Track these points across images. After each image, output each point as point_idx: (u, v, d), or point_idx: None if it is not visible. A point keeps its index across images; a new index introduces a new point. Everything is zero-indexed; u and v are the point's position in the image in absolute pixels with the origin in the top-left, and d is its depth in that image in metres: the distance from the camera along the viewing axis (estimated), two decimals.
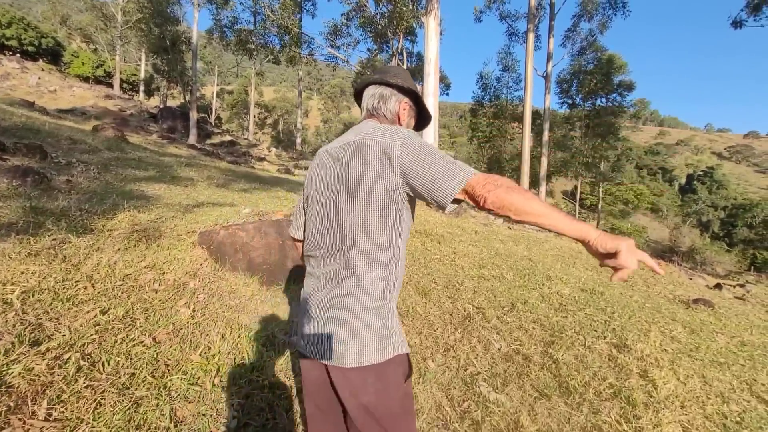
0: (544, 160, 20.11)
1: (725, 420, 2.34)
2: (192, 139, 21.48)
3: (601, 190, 36.96)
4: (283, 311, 2.48)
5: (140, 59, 35.73)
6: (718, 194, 67.85)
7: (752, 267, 36.42)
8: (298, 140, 32.16)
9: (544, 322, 3.40)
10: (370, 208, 0.94)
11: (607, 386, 2.41)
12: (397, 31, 14.18)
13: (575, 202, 32.07)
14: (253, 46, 16.81)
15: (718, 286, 7.50)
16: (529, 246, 7.04)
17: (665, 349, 3.24)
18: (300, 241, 1.23)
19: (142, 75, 35.93)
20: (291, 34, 15.37)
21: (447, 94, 33.37)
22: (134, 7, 25.00)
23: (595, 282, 5.27)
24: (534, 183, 22.02)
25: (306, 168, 19.98)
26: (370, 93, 1.14)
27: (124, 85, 37.63)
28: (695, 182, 77.15)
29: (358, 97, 1.22)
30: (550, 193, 31.83)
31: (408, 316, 2.94)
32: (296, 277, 2.90)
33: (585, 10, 21.58)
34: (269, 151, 27.43)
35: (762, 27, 21.34)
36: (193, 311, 2.14)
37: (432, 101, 12.31)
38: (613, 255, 0.80)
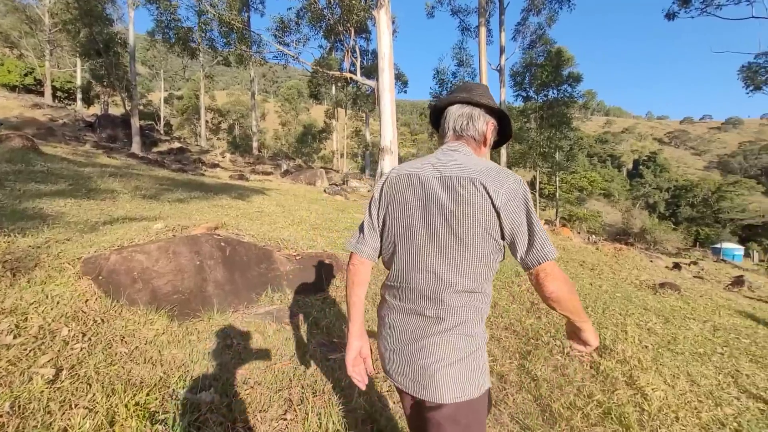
0: (503, 153, 20.35)
1: (723, 429, 2.06)
2: (135, 147, 19.95)
3: (557, 179, 38.44)
4: (200, 352, 1.94)
5: (76, 65, 32.85)
6: (661, 177, 72.81)
7: (696, 242, 39.20)
8: (255, 144, 30.76)
9: (518, 328, 3.05)
10: (479, 248, 0.95)
11: (594, 405, 2.06)
12: (349, 26, 13.67)
13: (535, 192, 32.98)
14: (196, 45, 15.65)
15: (677, 266, 7.65)
16: None
17: (645, 346, 2.99)
18: (365, 261, 1.12)
19: (79, 82, 32.99)
20: (236, 32, 14.45)
21: (405, 92, 33.37)
22: (62, 8, 22.83)
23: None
24: None
25: (265, 173, 19.14)
26: (458, 113, 1.09)
27: (59, 93, 34.43)
28: (641, 167, 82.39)
29: (437, 114, 1.17)
30: None
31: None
32: (222, 303, 2.36)
33: (533, 5, 22.10)
34: (223, 157, 26.01)
35: (692, 18, 22.83)
36: (58, 372, 1.56)
37: (388, 96, 11.93)
38: (584, 341, 1.01)
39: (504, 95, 20.79)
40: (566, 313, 0.95)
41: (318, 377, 1.98)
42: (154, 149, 24.92)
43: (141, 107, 57.28)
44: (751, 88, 22.97)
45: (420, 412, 1.01)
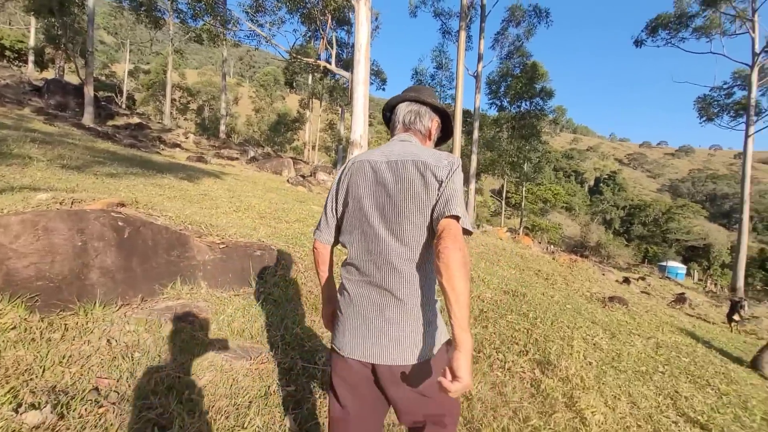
0: (474, 159, 20.54)
1: None
2: (87, 118, 18.53)
3: (524, 189, 39.59)
4: (59, 355, 1.55)
5: (30, 24, 30.03)
6: (619, 196, 76.93)
7: (645, 260, 41.61)
8: (223, 128, 29.45)
9: None
10: (423, 221, 1.02)
11: (530, 431, 1.86)
12: (326, 12, 13.19)
13: (501, 200, 33.75)
14: (160, 15, 14.59)
15: (626, 280, 7.84)
16: None
17: (590, 362, 2.86)
18: (326, 245, 1.23)
19: (32, 43, 30.17)
20: (205, 3, 13.58)
21: (383, 89, 33.00)
22: None
23: (518, 282, 4.95)
24: (464, 180, 22.49)
25: (230, 158, 18.35)
26: (408, 109, 1.20)
27: (8, 53, 31.39)
28: (602, 184, 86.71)
29: (389, 110, 1.28)
30: (479, 191, 33.06)
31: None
32: (110, 294, 1.95)
33: (513, 16, 22.46)
34: (186, 138, 24.63)
35: (658, 47, 24.05)
36: None
37: (362, 89, 11.58)
38: (453, 369, 0.86)
39: (479, 101, 20.96)
40: (448, 289, 0.89)
41: (211, 391, 1.63)
42: (110, 122, 23.30)
43: (103, 78, 53.67)
44: (704, 118, 24.52)
45: (381, 377, 1.03)
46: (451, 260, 0.88)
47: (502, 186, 36.38)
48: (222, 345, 1.94)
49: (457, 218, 0.95)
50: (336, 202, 1.17)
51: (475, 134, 20.48)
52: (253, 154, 22.37)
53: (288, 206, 6.02)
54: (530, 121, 23.80)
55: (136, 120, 25.23)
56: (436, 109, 1.21)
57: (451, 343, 0.91)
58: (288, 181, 11.82)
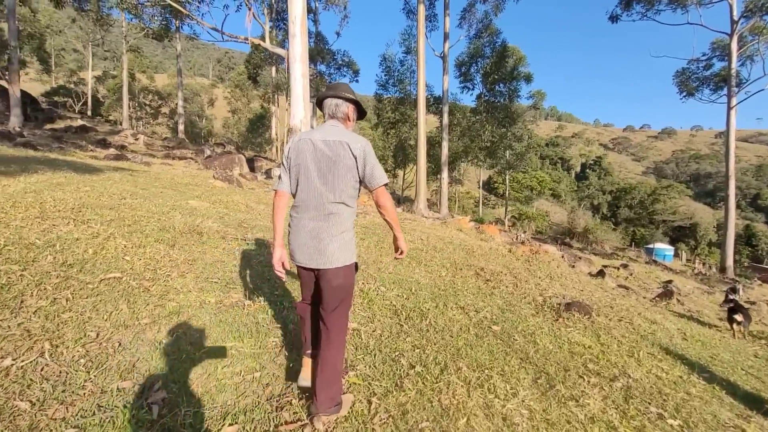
0: (445, 145, 19.03)
1: None
2: (14, 121, 16.81)
3: (507, 177, 38.31)
4: None
5: None
6: (605, 180, 76.48)
7: (632, 242, 40.76)
8: (180, 126, 27.52)
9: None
10: (346, 180, 1.66)
11: None
12: None
13: (479, 188, 32.41)
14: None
15: (600, 273, 6.41)
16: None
17: None
18: (286, 192, 1.75)
19: None
20: None
21: (357, 81, 31.18)
22: None
23: (432, 291, 3.42)
24: (436, 168, 21.03)
25: (181, 157, 17.08)
26: (332, 102, 1.78)
27: None
28: (588, 170, 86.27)
29: (319, 103, 1.84)
30: (458, 181, 31.59)
31: None
32: None
33: None
34: (136, 139, 22.75)
35: (633, 21, 22.78)
36: None
37: (299, 68, 9.98)
38: (398, 247, 1.85)
39: (447, 84, 19.40)
40: (389, 219, 1.75)
41: None
42: (48, 125, 21.47)
43: (72, 85, 50.96)
44: (684, 93, 23.38)
45: (319, 278, 1.69)
46: (386, 207, 1.72)
47: (490, 177, 35.12)
48: None
49: (382, 185, 1.69)
50: (289, 166, 1.73)
51: (445, 119, 18.96)
52: (209, 153, 20.67)
53: (137, 202, 4.43)
54: (502, 103, 22.36)
55: (78, 123, 23.35)
56: (350, 100, 1.80)
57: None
58: (213, 176, 10.19)
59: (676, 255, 32.21)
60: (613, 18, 22.31)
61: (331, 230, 1.63)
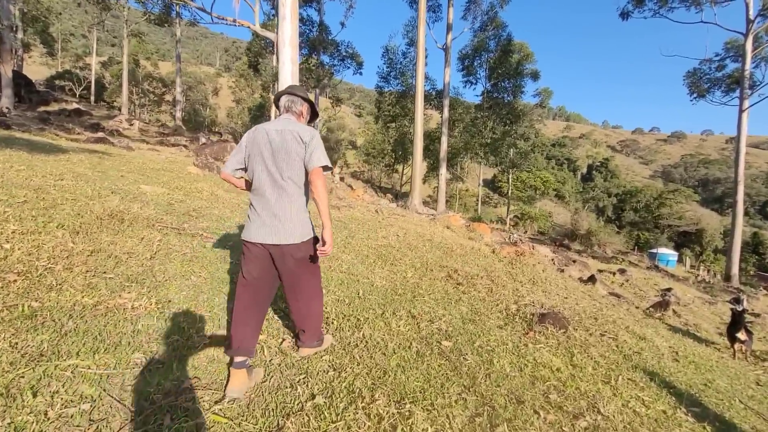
0: (444, 140, 18.47)
1: None
2: (4, 102, 16.58)
3: (510, 177, 37.59)
4: None
5: None
6: (611, 182, 75.36)
7: (636, 246, 40.02)
8: (178, 114, 27.17)
9: None
10: (297, 165, 1.83)
11: None
12: None
13: (480, 188, 31.75)
14: None
15: (591, 278, 5.92)
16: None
17: None
18: (229, 173, 1.95)
19: None
20: None
21: (360, 73, 30.58)
22: None
23: (386, 296, 2.97)
24: (435, 164, 20.46)
25: (175, 144, 17.05)
26: (288, 99, 2.01)
27: None
28: (594, 172, 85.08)
29: (276, 100, 2.07)
30: (460, 178, 30.96)
31: None
32: None
33: None
34: (131, 125, 22.46)
35: (645, 19, 21.99)
36: None
37: (288, 53, 9.47)
38: (323, 238, 1.82)
39: (449, 77, 18.83)
40: (318, 200, 1.80)
41: None
42: (42, 108, 21.31)
43: (77, 70, 50.75)
44: (695, 95, 22.55)
45: (278, 257, 1.82)
46: (318, 187, 1.79)
47: (494, 175, 34.42)
48: None
49: (321, 167, 1.80)
50: (244, 152, 1.90)
51: (445, 113, 18.40)
52: (204, 141, 20.39)
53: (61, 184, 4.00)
54: (506, 99, 21.69)
55: (73, 107, 23.13)
56: (304, 99, 2.03)
57: (318, 240, 1.89)
58: (194, 163, 9.78)
59: (680, 261, 31.49)
60: (624, 14, 21.54)
61: (285, 209, 1.80)
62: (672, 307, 5.55)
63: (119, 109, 31.73)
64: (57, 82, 41.58)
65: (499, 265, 5.19)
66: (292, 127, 1.84)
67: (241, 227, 4.06)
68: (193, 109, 54.79)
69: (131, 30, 32.81)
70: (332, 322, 2.37)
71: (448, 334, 2.57)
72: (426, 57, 24.32)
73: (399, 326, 2.49)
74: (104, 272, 2.29)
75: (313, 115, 2.13)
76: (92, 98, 41.72)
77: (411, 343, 2.29)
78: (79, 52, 53.86)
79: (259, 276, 1.83)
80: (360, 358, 2.00)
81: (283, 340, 2.15)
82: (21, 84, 21.82)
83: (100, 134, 13.89)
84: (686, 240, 45.92)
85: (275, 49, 11.74)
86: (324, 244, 1.79)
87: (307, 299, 1.93)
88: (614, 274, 8.52)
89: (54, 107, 21.85)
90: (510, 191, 39.92)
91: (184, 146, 16.54)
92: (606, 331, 3.39)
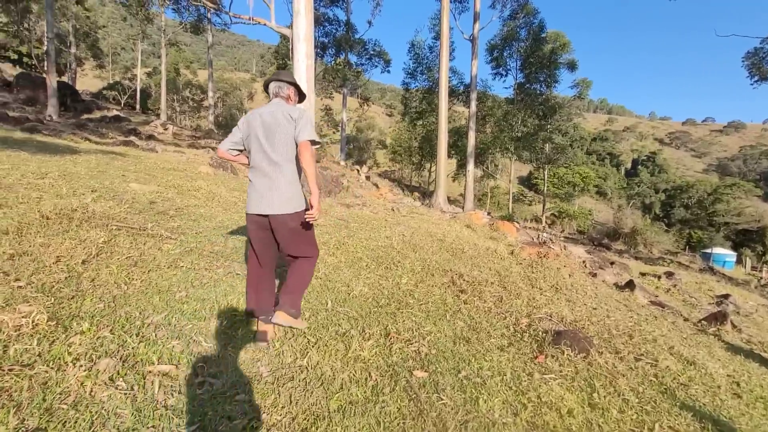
0: (471, 135, 17.63)
1: None
2: (50, 110, 17.78)
3: (545, 172, 35.70)
4: None
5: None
6: (659, 177, 70.16)
7: (687, 246, 36.77)
8: (211, 118, 27.98)
9: None
10: (289, 142, 2.02)
11: None
12: None
13: (512, 184, 30.30)
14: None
15: (630, 284, 5.10)
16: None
17: None
18: (225, 151, 2.17)
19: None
20: None
21: (388, 71, 30.12)
22: None
23: (373, 303, 2.49)
24: (463, 161, 19.58)
25: (203, 147, 17.53)
26: (275, 85, 2.19)
27: None
28: (639, 167, 79.67)
29: (265, 86, 2.25)
30: (490, 175, 29.72)
31: None
32: None
33: None
34: (165, 129, 23.39)
35: None
36: None
37: (303, 48, 9.29)
38: (311, 203, 1.99)
39: (476, 68, 17.94)
40: (306, 169, 1.95)
41: None
42: (85, 116, 22.63)
43: (127, 81, 54.15)
44: (756, 78, 20.16)
45: (274, 227, 2.03)
46: (306, 158, 1.93)
47: (530, 172, 32.77)
48: None
49: (308, 141, 1.97)
50: (240, 133, 2.11)
51: (472, 107, 17.55)
52: None
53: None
54: (540, 90, 20.38)
55: (113, 113, 24.49)
56: (290, 83, 2.20)
57: (308, 209, 2.02)
58: (209, 163, 9.75)
59: (739, 262, 28.51)
60: None
61: (279, 182, 2.00)
62: (730, 318, 4.64)
63: (158, 116, 33.19)
64: (105, 92, 44.36)
65: (517, 268, 4.54)
66: (283, 108, 2.06)
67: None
68: (229, 114, 56.70)
69: (169, 40, 34.25)
70: (274, 344, 1.92)
71: (426, 360, 2.04)
72: (453, 51, 23.52)
73: (362, 349, 2.00)
74: (16, 279, 1.97)
75: (300, 97, 2.33)
76: (137, 106, 44.14)
77: (369, 375, 1.79)
78: (128, 65, 57.33)
79: (261, 241, 2.08)
80: (290, 397, 1.53)
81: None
82: (66, 94, 23.24)
83: (129, 138, 14.34)
84: (746, 239, 41.60)
85: (290, 45, 11.62)
86: (311, 209, 1.95)
87: (299, 264, 2.13)
88: (659, 277, 7.49)
89: (96, 115, 23.14)
90: (546, 188, 37.96)
91: (212, 148, 16.81)
92: (642, 354, 2.71)
